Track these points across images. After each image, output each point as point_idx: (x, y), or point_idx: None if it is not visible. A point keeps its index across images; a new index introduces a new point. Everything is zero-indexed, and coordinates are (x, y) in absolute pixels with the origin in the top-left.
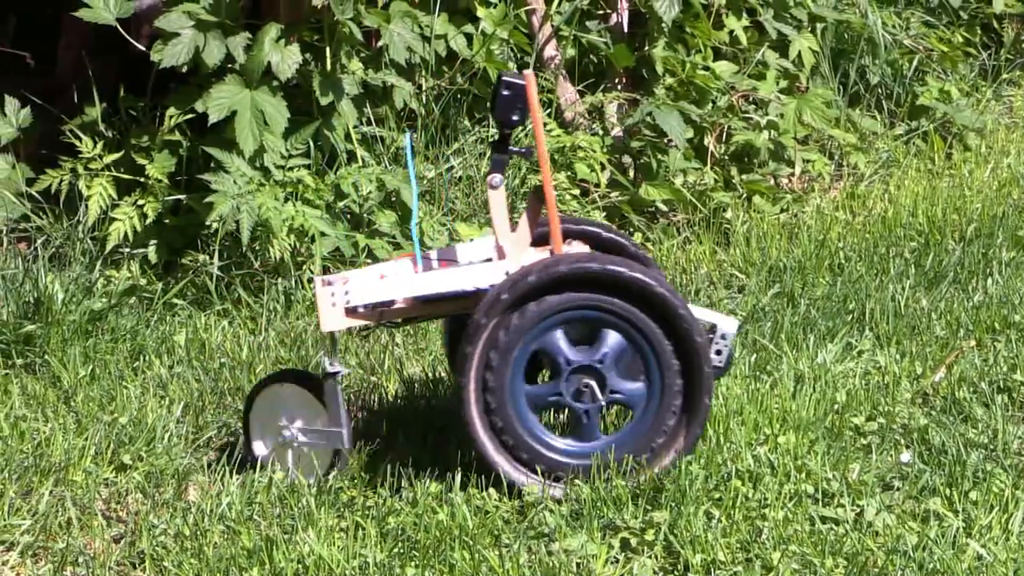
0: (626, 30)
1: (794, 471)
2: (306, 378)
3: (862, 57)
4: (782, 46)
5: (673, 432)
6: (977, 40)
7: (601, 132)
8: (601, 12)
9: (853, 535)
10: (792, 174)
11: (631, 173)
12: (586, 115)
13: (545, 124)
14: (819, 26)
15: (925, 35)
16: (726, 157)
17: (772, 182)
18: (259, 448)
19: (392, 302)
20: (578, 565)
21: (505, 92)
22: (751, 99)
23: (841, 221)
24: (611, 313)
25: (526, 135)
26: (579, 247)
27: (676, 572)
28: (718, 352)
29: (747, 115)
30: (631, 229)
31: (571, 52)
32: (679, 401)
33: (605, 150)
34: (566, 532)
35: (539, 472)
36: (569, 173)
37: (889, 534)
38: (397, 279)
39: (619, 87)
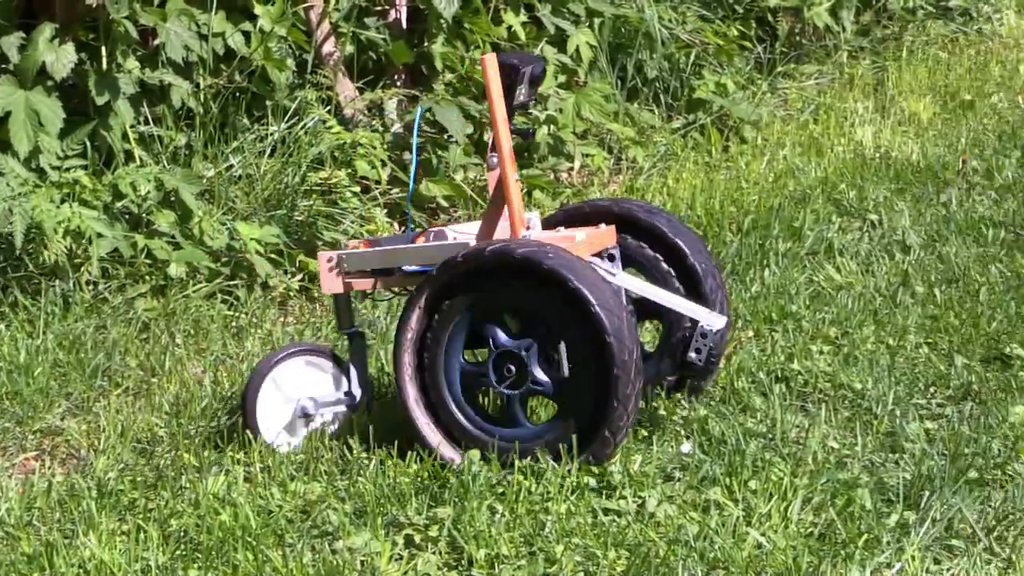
0: (404, 26)
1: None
2: (316, 350)
3: (639, 51)
4: (560, 41)
5: (586, 434)
6: (752, 34)
7: (381, 129)
8: (379, 9)
9: (635, 526)
10: (572, 168)
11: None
12: (366, 112)
13: (325, 121)
14: (597, 21)
15: (701, 29)
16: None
17: (552, 176)
18: (268, 432)
19: (389, 271)
20: (362, 563)
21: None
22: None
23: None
24: (530, 303)
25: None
26: (567, 232)
27: (460, 567)
28: (697, 351)
29: (526, 124)
30: (413, 225)
31: (350, 49)
32: (590, 402)
33: (385, 147)
34: (350, 530)
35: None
36: (350, 170)
37: (671, 524)
38: (390, 250)
39: (399, 83)
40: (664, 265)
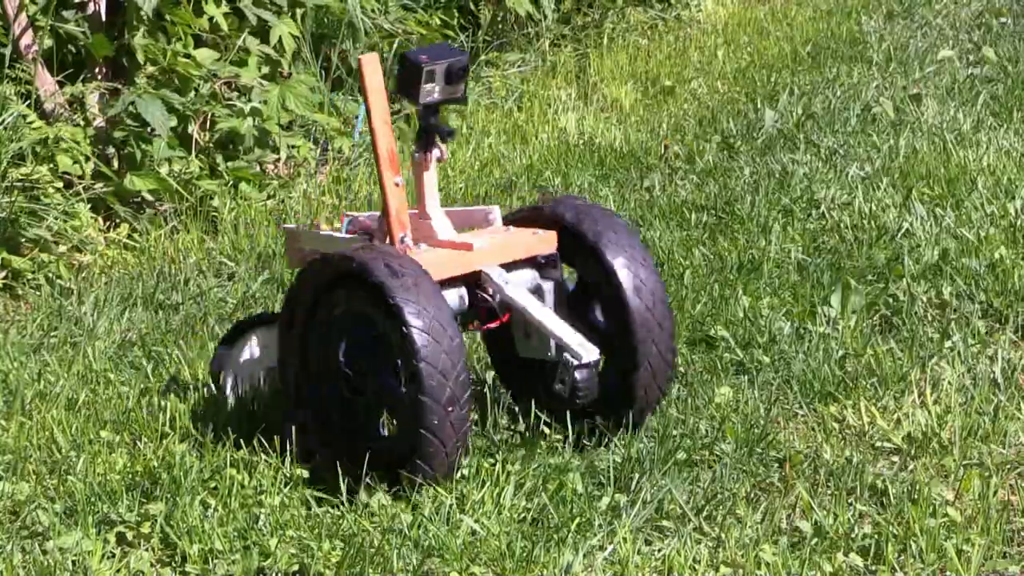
0: (104, 19)
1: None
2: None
3: (343, 42)
4: (263, 32)
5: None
6: (455, 22)
7: (83, 123)
8: (78, 1)
9: (349, 517)
10: (278, 160)
11: (115, 163)
12: (66, 106)
13: (25, 116)
14: (299, 11)
15: (404, 19)
16: (211, 145)
17: (258, 168)
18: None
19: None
20: (74, 563)
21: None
22: (234, 86)
23: (328, 205)
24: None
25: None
26: (468, 237)
27: (174, 563)
28: (561, 381)
29: (231, 102)
30: (117, 220)
31: (48, 42)
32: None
33: (88, 141)
34: (60, 530)
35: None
36: (51, 166)
37: (384, 514)
38: (333, 236)
39: (100, 77)
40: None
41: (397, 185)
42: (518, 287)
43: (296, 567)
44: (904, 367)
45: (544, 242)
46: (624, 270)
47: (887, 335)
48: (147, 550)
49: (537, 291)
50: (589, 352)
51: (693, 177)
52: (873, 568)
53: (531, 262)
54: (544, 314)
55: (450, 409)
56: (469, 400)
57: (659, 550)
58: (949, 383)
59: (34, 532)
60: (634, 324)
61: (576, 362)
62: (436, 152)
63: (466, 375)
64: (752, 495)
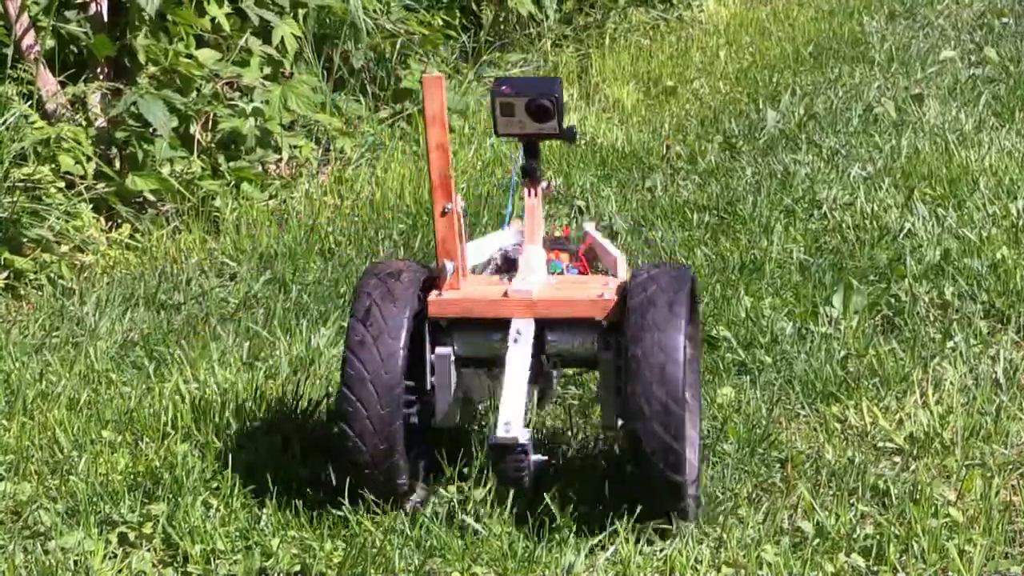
0: (106, 19)
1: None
2: None
3: (345, 42)
4: (265, 32)
5: None
6: (457, 23)
7: (85, 123)
8: (80, 2)
9: (352, 517)
10: (280, 160)
11: (117, 164)
12: (68, 106)
13: (27, 117)
14: (301, 12)
15: (406, 19)
16: (213, 145)
17: (260, 169)
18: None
19: None
20: (76, 563)
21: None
22: (236, 86)
23: (330, 206)
24: None
25: None
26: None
27: (176, 564)
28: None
29: (233, 102)
30: (119, 220)
31: (50, 42)
32: None
33: (90, 141)
34: (62, 530)
35: None
36: (53, 166)
37: (388, 514)
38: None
39: (102, 77)
40: None
41: (445, 213)
42: (523, 346)
43: (298, 567)
44: (906, 367)
45: (598, 307)
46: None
47: (889, 335)
48: (149, 550)
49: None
50: (507, 433)
51: (695, 177)
52: (875, 569)
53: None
54: (510, 384)
55: (372, 431)
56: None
57: (660, 550)
58: (951, 383)
59: (36, 532)
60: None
61: (489, 438)
62: (536, 187)
63: (389, 411)
64: (754, 495)
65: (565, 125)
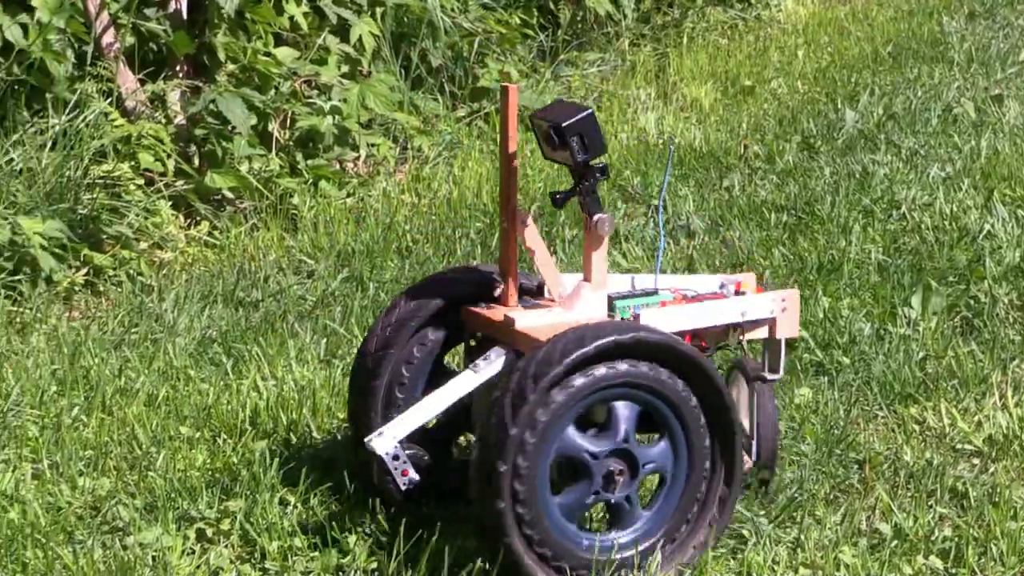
0: (185, 17)
1: None
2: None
3: (423, 40)
4: (343, 30)
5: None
6: (534, 21)
7: (164, 120)
8: None
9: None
10: (357, 158)
11: (196, 161)
12: (148, 103)
13: (107, 114)
14: (379, 10)
15: (483, 17)
16: (291, 143)
17: (338, 167)
18: None
19: None
20: (154, 558)
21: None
22: (314, 84)
23: (407, 204)
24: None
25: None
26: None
27: (253, 560)
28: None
29: (311, 100)
30: (198, 217)
31: (130, 40)
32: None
33: (170, 138)
34: (140, 525)
35: None
36: (133, 163)
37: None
38: None
39: (181, 75)
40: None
41: (504, 231)
42: (478, 376)
43: (375, 565)
44: (985, 369)
45: None
46: None
47: (968, 337)
48: (226, 547)
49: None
50: (373, 441)
51: (773, 177)
52: (953, 571)
53: None
54: (427, 402)
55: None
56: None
57: (736, 551)
58: None
59: (115, 527)
60: None
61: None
62: (589, 217)
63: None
64: (831, 496)
65: (599, 163)
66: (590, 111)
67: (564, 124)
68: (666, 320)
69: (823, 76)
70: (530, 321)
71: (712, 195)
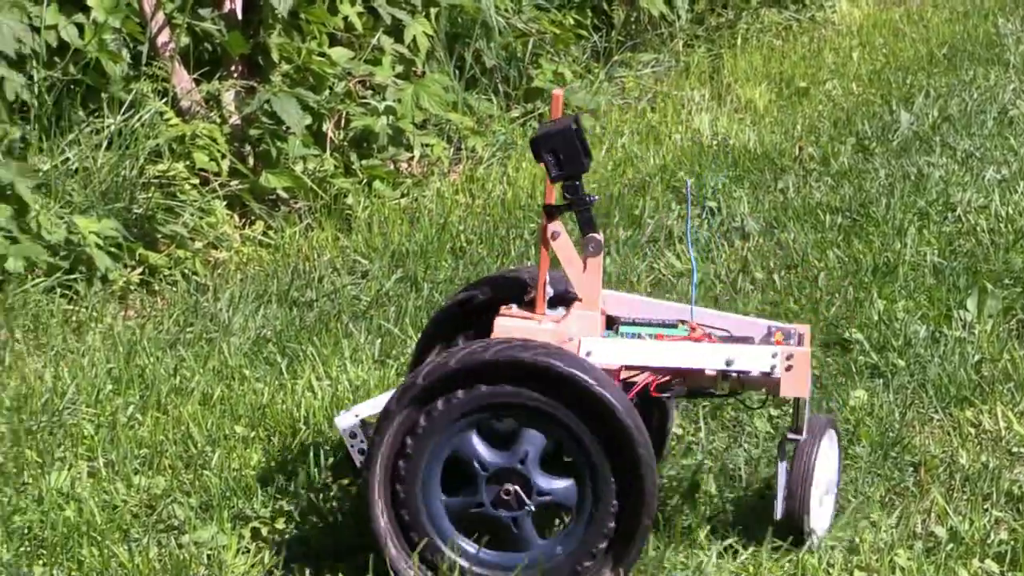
0: (240, 17)
1: None
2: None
3: (477, 41)
4: (397, 31)
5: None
6: (588, 22)
7: (219, 120)
8: None
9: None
10: (412, 158)
11: (250, 161)
12: (203, 103)
13: (162, 114)
14: (433, 11)
15: (537, 18)
16: (345, 143)
17: (392, 167)
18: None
19: None
20: (209, 557)
21: None
22: (368, 85)
23: (461, 204)
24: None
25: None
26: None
27: (308, 559)
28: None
29: (365, 101)
30: (252, 217)
31: (185, 40)
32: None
33: (224, 138)
34: (196, 524)
35: None
36: (188, 163)
37: None
38: None
39: (235, 75)
40: None
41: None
42: None
43: None
44: None
45: None
46: None
47: None
48: (281, 546)
49: None
50: (338, 417)
51: (827, 179)
52: (1009, 575)
53: None
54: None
55: None
56: None
57: (788, 553)
58: None
59: (170, 526)
60: None
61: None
62: (581, 236)
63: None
64: (887, 499)
65: (586, 193)
66: (568, 127)
67: (537, 138)
68: (624, 353)
69: (878, 78)
70: (502, 328)
71: (767, 197)
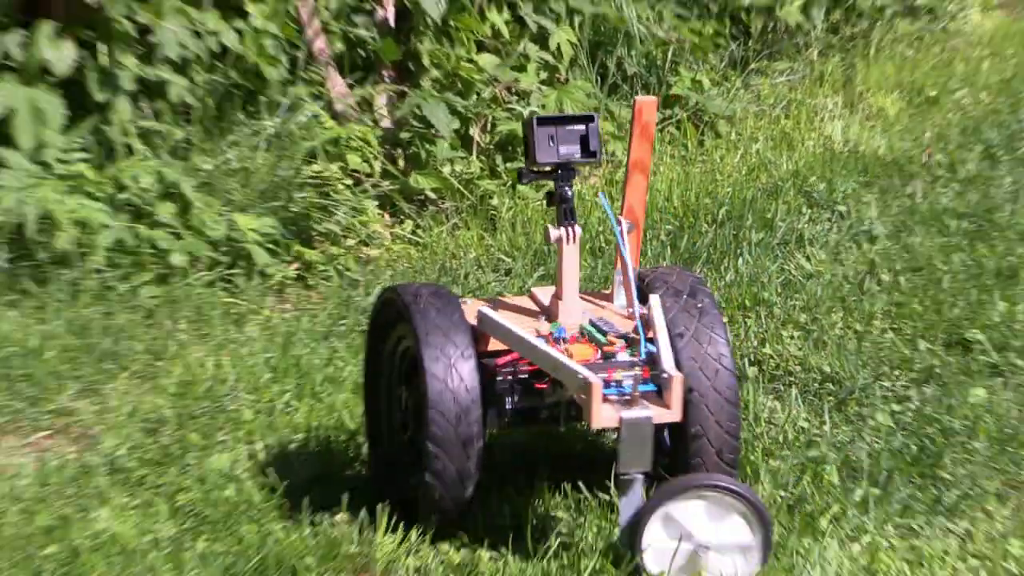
0: (392, 24)
1: None
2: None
3: (619, 48)
4: (542, 38)
5: None
6: (726, 31)
7: (371, 124)
8: (368, 7)
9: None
10: None
11: (400, 163)
12: (356, 107)
13: (317, 116)
14: (577, 19)
15: (677, 27)
16: (491, 146)
17: None
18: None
19: None
20: (359, 534)
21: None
22: (513, 90)
23: (599, 206)
24: None
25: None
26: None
27: (454, 540)
28: None
29: (510, 106)
30: (402, 216)
31: (340, 46)
32: None
33: (377, 141)
34: (347, 505)
35: None
36: (341, 164)
37: None
38: None
39: (387, 80)
40: None
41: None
42: None
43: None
44: None
45: None
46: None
47: None
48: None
49: None
50: None
51: (955, 185)
52: None
53: None
54: None
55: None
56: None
57: (904, 537)
58: None
59: (323, 506)
60: None
61: None
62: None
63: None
64: (1002, 491)
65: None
66: (529, 119)
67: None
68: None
69: (1007, 87)
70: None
71: (895, 202)
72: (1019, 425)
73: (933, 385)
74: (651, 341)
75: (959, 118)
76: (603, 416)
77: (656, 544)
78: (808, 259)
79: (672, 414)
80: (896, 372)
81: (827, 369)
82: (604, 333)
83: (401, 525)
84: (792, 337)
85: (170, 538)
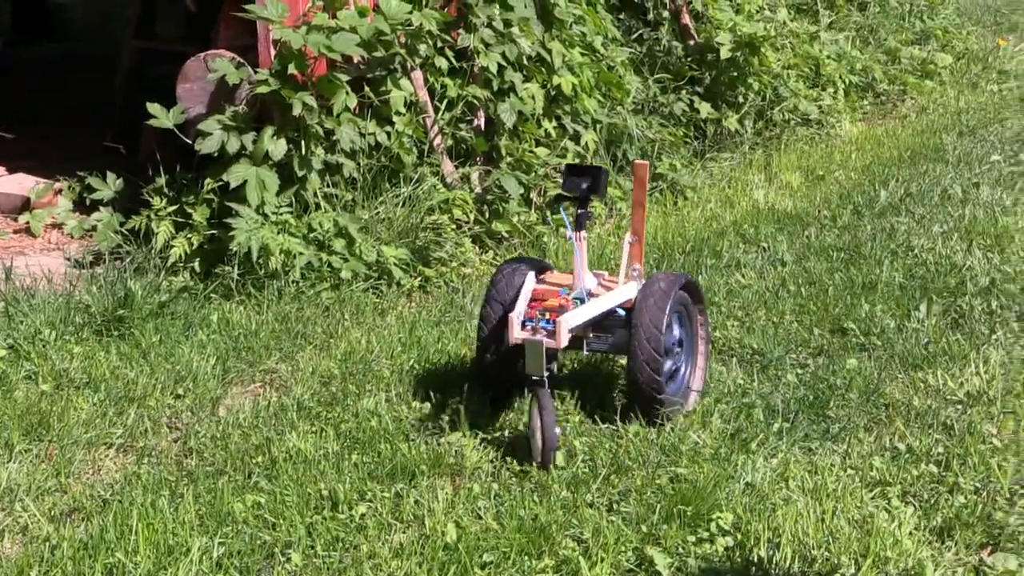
0: (483, 128)
1: None
2: None
3: (624, 144)
4: (576, 137)
5: None
6: (692, 134)
7: (469, 190)
8: (468, 119)
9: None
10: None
11: (486, 214)
12: (459, 180)
13: (435, 186)
14: (598, 126)
15: (660, 131)
16: (543, 204)
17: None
18: None
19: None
20: (456, 452)
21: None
22: (558, 169)
23: (612, 243)
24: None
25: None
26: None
27: (527, 463)
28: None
29: (556, 179)
30: (487, 248)
31: (450, 142)
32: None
33: (472, 200)
34: (448, 430)
35: None
36: (449, 215)
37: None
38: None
39: (479, 162)
40: None
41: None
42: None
43: None
44: (966, 350)
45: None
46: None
47: (955, 330)
48: (503, 445)
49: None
50: None
51: (835, 230)
52: (944, 474)
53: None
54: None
55: None
56: None
57: (805, 454)
58: (995, 361)
59: (433, 432)
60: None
61: None
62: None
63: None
64: (869, 425)
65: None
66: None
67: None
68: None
69: (867, 170)
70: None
71: (797, 240)
72: (878, 383)
73: (823, 357)
74: (629, 310)
75: (837, 188)
76: (514, 335)
77: None
78: (743, 276)
79: (557, 343)
80: (800, 348)
81: (755, 346)
82: (580, 300)
83: (483, 444)
84: (733, 326)
85: (335, 452)
